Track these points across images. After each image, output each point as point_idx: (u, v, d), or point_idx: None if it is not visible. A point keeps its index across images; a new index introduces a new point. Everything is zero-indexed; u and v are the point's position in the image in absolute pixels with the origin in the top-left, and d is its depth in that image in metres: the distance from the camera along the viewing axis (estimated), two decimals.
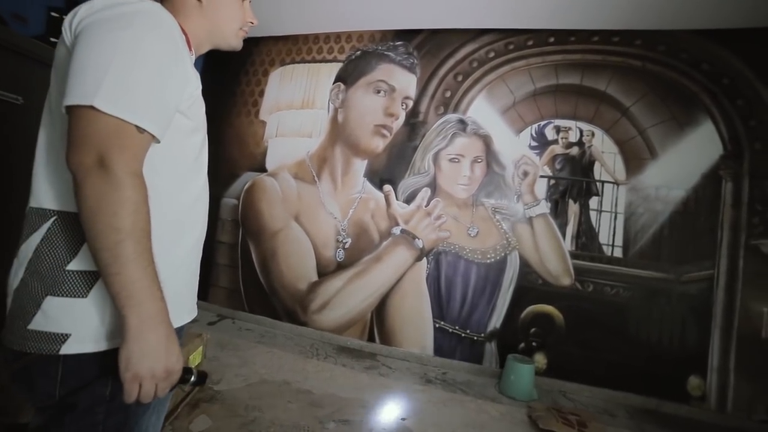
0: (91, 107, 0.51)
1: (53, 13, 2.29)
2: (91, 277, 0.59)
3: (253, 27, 0.82)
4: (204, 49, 0.79)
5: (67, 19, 0.59)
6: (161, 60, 0.57)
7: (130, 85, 0.54)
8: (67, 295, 0.58)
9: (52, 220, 0.59)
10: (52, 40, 2.26)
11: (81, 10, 0.58)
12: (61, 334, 0.57)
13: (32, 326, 0.57)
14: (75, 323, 0.58)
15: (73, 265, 0.58)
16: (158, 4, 0.62)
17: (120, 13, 0.56)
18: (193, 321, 0.78)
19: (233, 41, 0.81)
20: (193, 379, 0.63)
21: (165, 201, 0.63)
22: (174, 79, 0.60)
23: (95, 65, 0.53)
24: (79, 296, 0.58)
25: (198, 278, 0.78)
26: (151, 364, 0.54)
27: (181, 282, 0.70)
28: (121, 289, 0.52)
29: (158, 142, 0.59)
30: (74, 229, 0.58)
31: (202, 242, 0.77)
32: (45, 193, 0.61)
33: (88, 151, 0.52)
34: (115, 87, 0.53)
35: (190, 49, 0.71)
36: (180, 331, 0.70)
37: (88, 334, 0.58)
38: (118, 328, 0.57)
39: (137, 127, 0.54)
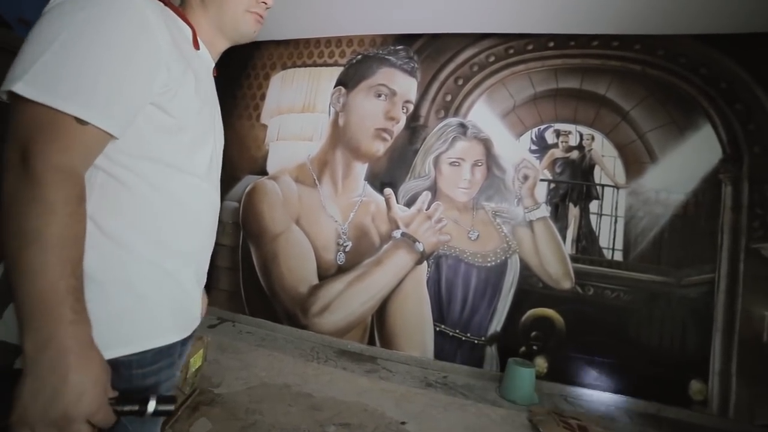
0: (16, 93, 0.44)
1: None
2: None
3: (268, 10, 0.72)
4: (219, 46, 0.71)
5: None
6: (120, 43, 0.49)
7: (70, 68, 0.45)
8: None
9: None
10: None
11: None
12: (16, 345, 0.47)
13: None
14: None
15: None
16: None
17: None
18: None
19: (243, 27, 0.70)
20: (150, 410, 0.48)
21: (140, 206, 0.55)
22: (139, 65, 0.51)
23: (34, 47, 0.46)
24: None
25: (197, 292, 0.69)
26: (44, 407, 0.42)
27: (166, 297, 0.60)
28: (20, 306, 0.43)
29: (115, 137, 0.50)
30: None
31: (204, 254, 0.70)
32: None
33: (14, 145, 0.45)
34: (46, 70, 0.44)
35: (196, 44, 0.65)
36: (169, 351, 0.61)
37: None
38: (97, 338, 0.49)
39: (76, 118, 0.46)
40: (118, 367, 0.52)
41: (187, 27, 0.64)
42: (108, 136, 0.50)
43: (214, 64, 0.73)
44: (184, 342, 0.67)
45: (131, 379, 0.55)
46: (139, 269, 0.56)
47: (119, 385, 0.51)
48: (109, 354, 0.51)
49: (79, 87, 0.46)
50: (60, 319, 0.43)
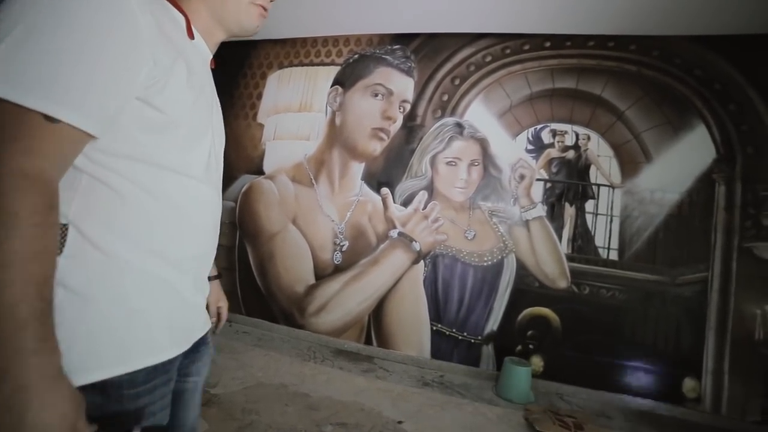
0: None
1: None
2: None
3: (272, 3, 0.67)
4: (217, 36, 0.66)
5: None
6: (94, 28, 0.43)
7: (35, 57, 0.39)
8: None
9: None
10: None
11: None
12: None
13: None
14: None
15: None
16: None
17: None
18: None
19: (246, 20, 0.64)
20: None
21: (130, 212, 0.51)
22: (117, 54, 0.45)
23: None
24: None
25: (196, 303, 0.65)
26: None
27: (162, 310, 0.55)
28: None
29: (93, 137, 0.45)
30: None
31: (205, 260, 0.65)
32: None
33: None
34: (7, 59, 0.39)
35: (190, 34, 0.60)
36: (165, 367, 0.56)
37: None
38: (83, 359, 0.45)
39: (44, 115, 0.40)
40: (106, 388, 0.48)
41: (181, 15, 0.59)
42: (86, 136, 0.44)
43: (211, 56, 0.67)
44: (186, 354, 0.62)
45: (121, 399, 0.50)
46: (131, 280, 0.51)
47: (108, 408, 0.47)
48: (97, 376, 0.47)
49: (46, 79, 0.40)
50: (18, 349, 0.37)
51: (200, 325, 0.68)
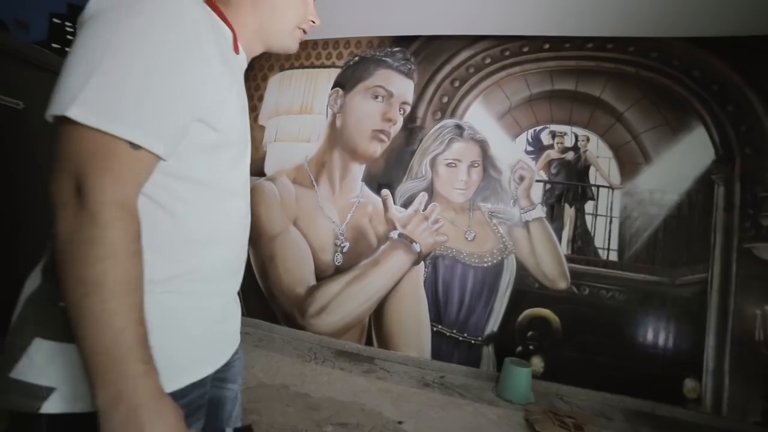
0: (69, 118, 0.40)
1: (55, 20, 2.33)
2: None
3: (314, 27, 0.69)
4: (256, 51, 0.67)
5: (80, 16, 0.48)
6: (171, 55, 0.44)
7: (123, 87, 0.42)
8: (54, 339, 0.45)
9: None
10: (54, 45, 2.29)
11: (89, 4, 0.47)
12: (44, 387, 0.44)
13: (14, 374, 0.45)
14: (60, 375, 0.45)
15: None
16: None
17: (127, 0, 0.44)
18: None
19: (287, 41, 0.66)
20: None
21: (186, 231, 0.51)
22: (190, 81, 0.46)
23: (82, 65, 0.42)
24: (66, 341, 0.44)
25: (234, 316, 0.66)
26: None
27: (201, 327, 0.55)
28: (87, 360, 0.40)
29: (164, 160, 0.46)
30: None
31: (241, 275, 0.66)
32: None
33: (67, 176, 0.40)
34: (100, 91, 0.41)
35: (236, 49, 0.60)
36: (201, 381, 0.56)
37: (76, 390, 0.45)
38: None
39: (130, 142, 0.42)
40: None
41: (229, 30, 0.59)
42: (158, 160, 0.45)
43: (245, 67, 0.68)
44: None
45: None
46: (178, 302, 0.52)
47: None
48: None
49: (133, 108, 0.42)
50: (129, 373, 0.40)
51: (236, 337, 0.69)
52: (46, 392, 0.44)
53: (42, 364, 0.45)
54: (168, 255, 0.50)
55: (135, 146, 0.42)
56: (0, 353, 0.48)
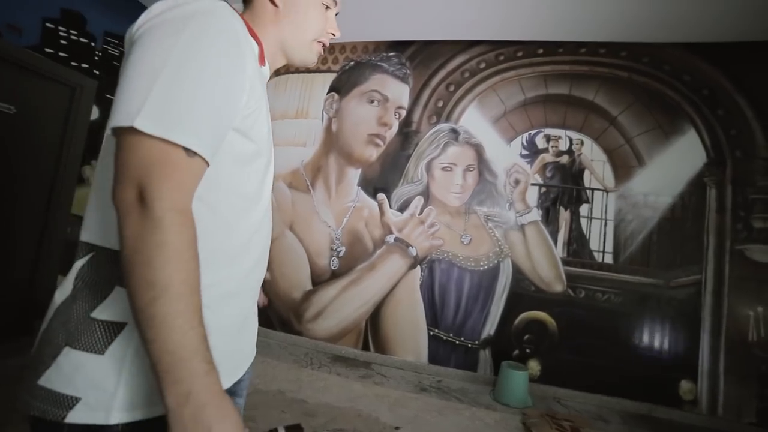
0: (134, 128, 0.42)
1: (48, 24, 2.30)
2: (113, 330, 0.48)
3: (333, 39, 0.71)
4: (279, 63, 0.69)
5: (128, 32, 0.51)
6: (220, 66, 0.48)
7: (180, 98, 0.44)
8: (84, 349, 0.47)
9: (90, 255, 0.50)
10: (47, 50, 2.27)
11: (139, 19, 0.50)
12: (70, 397, 0.46)
13: (42, 381, 0.46)
14: (87, 385, 0.46)
15: (98, 312, 0.48)
16: (224, 3, 0.52)
17: (175, 16, 0.47)
18: None
19: (306, 54, 0.69)
20: None
21: (215, 243, 0.53)
22: (234, 89, 0.50)
23: (142, 79, 0.44)
24: (95, 352, 0.46)
25: (253, 328, 0.67)
26: None
27: (221, 341, 0.55)
28: (157, 361, 0.41)
29: (207, 165, 0.48)
30: (108, 267, 0.49)
31: (259, 285, 0.67)
32: (90, 225, 0.52)
33: (130, 183, 0.42)
34: (161, 102, 0.43)
35: (263, 62, 0.61)
36: (238, 386, 0.60)
37: (100, 401, 0.46)
38: (136, 397, 0.47)
39: (185, 149, 0.44)
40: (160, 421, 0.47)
41: (256, 43, 0.60)
42: (206, 167, 0.47)
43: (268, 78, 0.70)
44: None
45: None
46: (219, 307, 0.53)
47: None
48: (156, 411, 0.47)
49: (190, 117, 0.44)
50: (195, 372, 0.42)
51: (253, 348, 0.69)
52: (72, 402, 0.45)
53: (69, 373, 0.46)
54: (207, 267, 0.49)
55: (191, 153, 0.44)
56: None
